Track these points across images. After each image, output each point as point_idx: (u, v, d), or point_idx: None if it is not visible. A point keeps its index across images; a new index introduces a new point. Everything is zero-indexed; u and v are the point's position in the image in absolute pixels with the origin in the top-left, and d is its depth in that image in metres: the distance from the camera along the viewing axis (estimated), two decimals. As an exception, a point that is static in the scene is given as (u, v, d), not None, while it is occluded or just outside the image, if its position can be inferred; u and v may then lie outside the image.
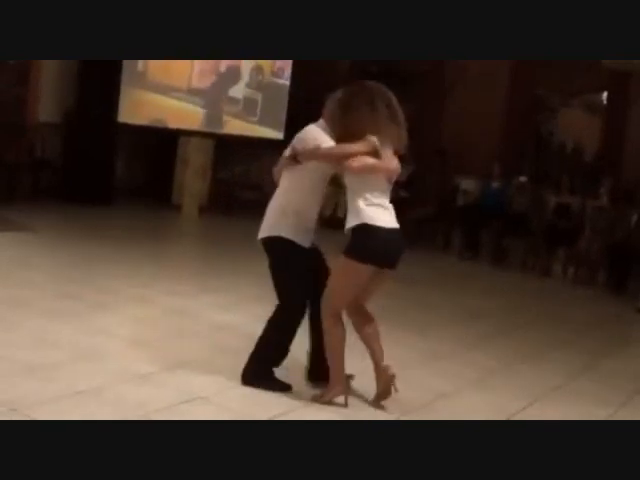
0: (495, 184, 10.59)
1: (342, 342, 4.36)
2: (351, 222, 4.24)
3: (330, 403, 4.34)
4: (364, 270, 4.22)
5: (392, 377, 4.42)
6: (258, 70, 11.83)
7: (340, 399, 4.36)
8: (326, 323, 4.33)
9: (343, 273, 4.27)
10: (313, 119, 4.60)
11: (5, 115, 10.02)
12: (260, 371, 4.51)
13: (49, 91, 10.41)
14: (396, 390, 4.42)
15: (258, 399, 4.36)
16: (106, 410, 3.88)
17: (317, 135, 4.41)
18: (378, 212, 4.23)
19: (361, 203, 4.22)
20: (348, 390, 4.39)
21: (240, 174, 11.69)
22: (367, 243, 4.20)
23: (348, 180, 4.31)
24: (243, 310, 6.14)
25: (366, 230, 4.19)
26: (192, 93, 11.26)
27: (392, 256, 4.30)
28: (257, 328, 4.72)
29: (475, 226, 10.43)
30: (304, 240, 4.44)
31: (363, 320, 4.47)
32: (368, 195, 4.23)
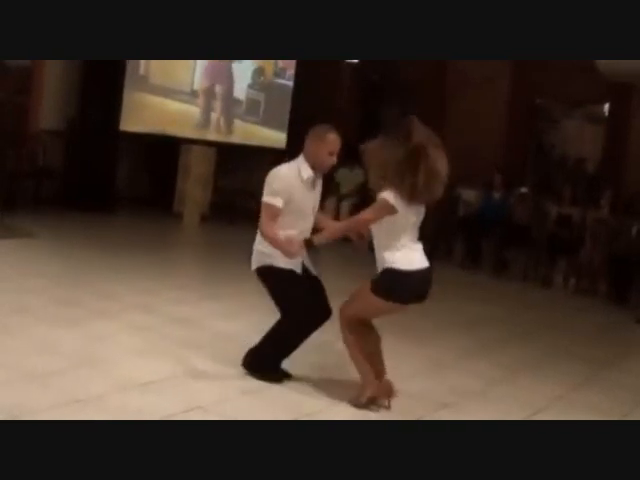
0: (496, 194, 10.58)
1: (358, 346, 4.49)
2: (381, 264, 4.37)
3: (367, 406, 4.46)
4: (387, 305, 4.40)
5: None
6: (260, 71, 11.88)
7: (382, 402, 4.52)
8: (343, 331, 4.50)
9: (365, 298, 4.43)
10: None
11: (7, 123, 10.04)
12: (268, 362, 4.72)
13: (51, 99, 10.44)
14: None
15: (259, 408, 4.35)
16: (106, 418, 3.87)
17: (267, 187, 4.54)
18: (406, 255, 4.35)
19: (389, 247, 4.34)
20: (385, 391, 4.52)
21: (242, 183, 11.69)
22: (393, 286, 4.35)
23: (373, 227, 4.42)
24: (245, 318, 6.14)
25: (393, 274, 4.32)
26: (194, 95, 11.29)
27: (417, 294, 4.46)
28: (259, 337, 4.71)
29: (476, 236, 10.42)
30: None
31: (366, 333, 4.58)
32: (395, 239, 4.34)
